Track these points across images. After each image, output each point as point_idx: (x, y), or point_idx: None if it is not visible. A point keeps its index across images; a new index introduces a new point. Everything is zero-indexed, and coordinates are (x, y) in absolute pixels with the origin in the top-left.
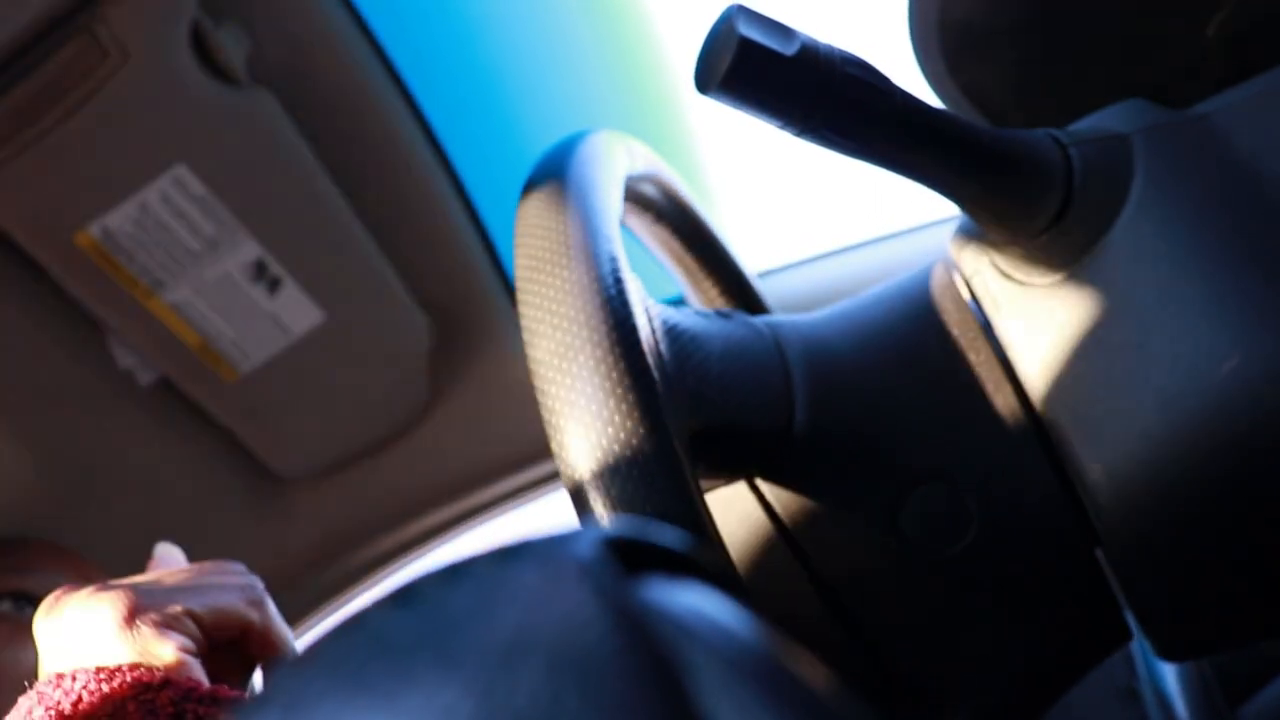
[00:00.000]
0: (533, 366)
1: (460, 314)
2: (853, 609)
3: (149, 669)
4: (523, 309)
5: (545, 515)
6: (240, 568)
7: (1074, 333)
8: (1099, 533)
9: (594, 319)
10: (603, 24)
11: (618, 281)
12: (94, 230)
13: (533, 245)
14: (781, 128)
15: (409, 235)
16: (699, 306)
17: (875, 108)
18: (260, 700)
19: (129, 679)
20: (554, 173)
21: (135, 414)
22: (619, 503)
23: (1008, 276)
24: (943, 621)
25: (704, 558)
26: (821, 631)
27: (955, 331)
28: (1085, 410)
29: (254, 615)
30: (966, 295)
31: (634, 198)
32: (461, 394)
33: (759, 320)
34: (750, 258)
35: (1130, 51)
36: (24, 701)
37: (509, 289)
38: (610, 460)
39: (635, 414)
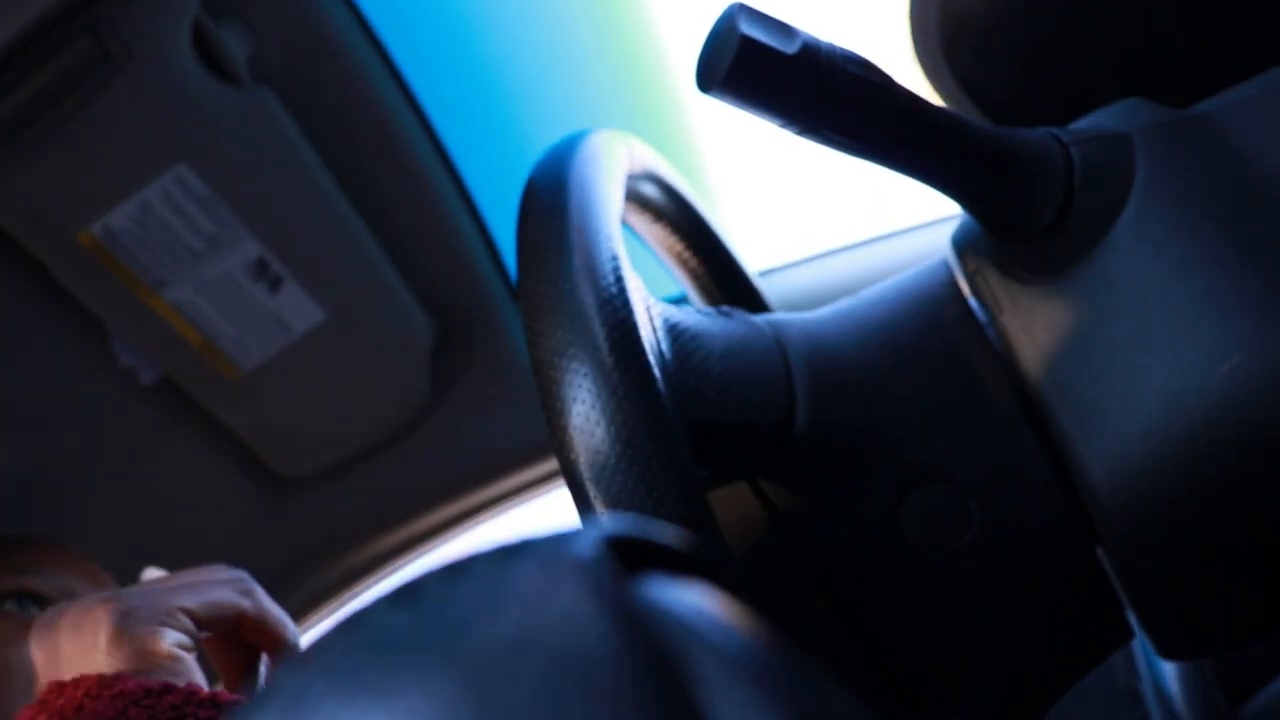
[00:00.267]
0: (535, 364)
1: (462, 313)
2: (853, 607)
3: (149, 675)
4: (524, 306)
5: (546, 514)
6: (224, 567)
7: (1075, 331)
8: (1100, 532)
9: (595, 316)
10: (604, 23)
11: (619, 279)
12: (96, 229)
13: (534, 243)
14: (783, 126)
15: (410, 235)
16: (700, 305)
17: (876, 106)
18: (260, 700)
19: (130, 685)
20: (555, 171)
21: (136, 413)
22: (619, 500)
23: (1008, 275)
24: (943, 621)
25: (705, 556)
26: (821, 630)
27: (956, 330)
28: (1086, 409)
29: (246, 603)
30: (967, 293)
31: (635, 197)
32: (463, 393)
33: (760, 319)
34: (751, 256)
35: (1130, 50)
36: (27, 711)
37: (510, 289)
38: (611, 457)
39: (636, 411)
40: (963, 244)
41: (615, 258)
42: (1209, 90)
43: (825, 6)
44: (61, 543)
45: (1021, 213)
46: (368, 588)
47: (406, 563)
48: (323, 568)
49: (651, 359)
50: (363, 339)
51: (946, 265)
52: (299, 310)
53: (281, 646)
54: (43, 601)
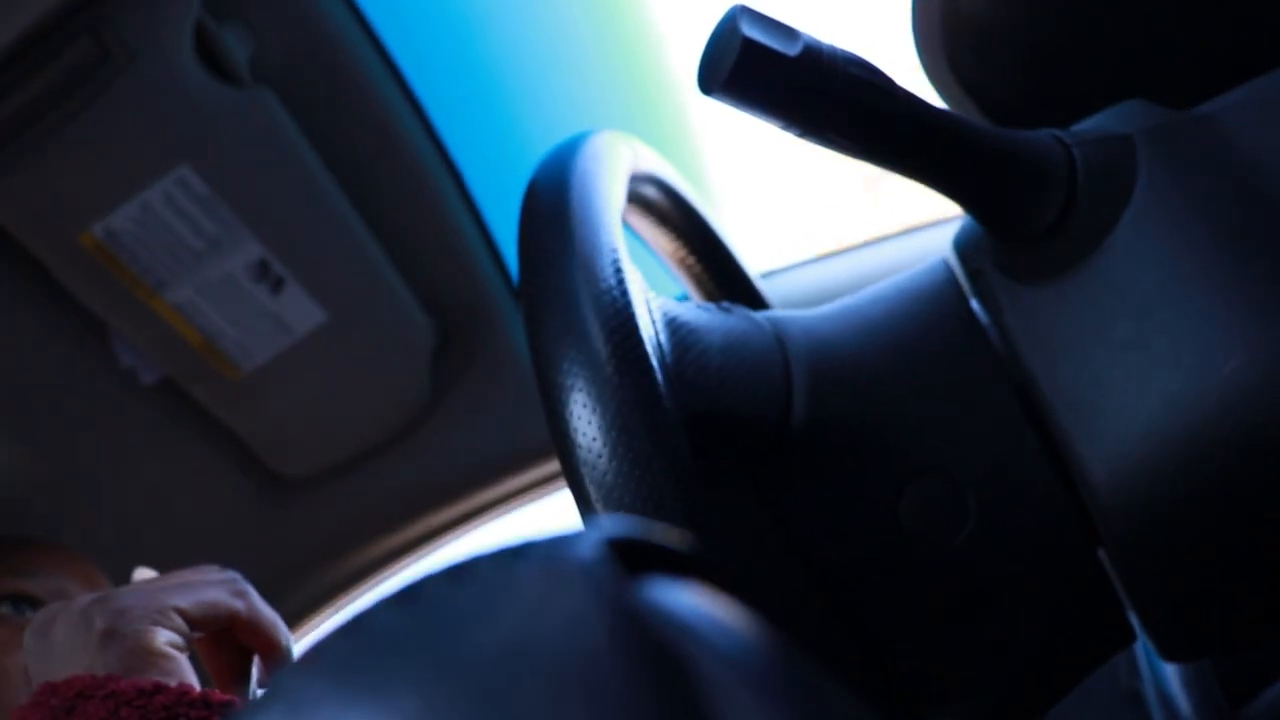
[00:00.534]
0: (533, 355)
1: (463, 314)
2: (852, 607)
3: (141, 675)
4: (524, 299)
5: (547, 515)
6: (217, 568)
7: (1076, 332)
8: (1101, 532)
9: (594, 308)
10: (606, 25)
11: (618, 272)
12: (97, 230)
13: (535, 240)
14: (784, 128)
15: (412, 236)
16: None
17: (878, 108)
18: (261, 702)
19: (122, 685)
20: (557, 170)
21: (137, 414)
22: (615, 490)
23: (1010, 276)
24: (943, 620)
25: (705, 557)
26: (821, 630)
27: (957, 329)
28: (1087, 409)
29: (239, 604)
30: (969, 294)
31: (637, 199)
32: (464, 394)
33: (760, 315)
34: (753, 258)
35: (1131, 51)
36: (19, 711)
37: (512, 290)
38: (607, 448)
39: (633, 402)
40: (964, 245)
41: (615, 251)
42: (1209, 91)
43: (827, 8)
44: (58, 545)
45: (1023, 214)
46: (368, 589)
47: (407, 565)
48: (323, 569)
49: (650, 351)
50: (363, 340)
51: (946, 265)
52: (300, 311)
53: (274, 649)
54: (39, 605)
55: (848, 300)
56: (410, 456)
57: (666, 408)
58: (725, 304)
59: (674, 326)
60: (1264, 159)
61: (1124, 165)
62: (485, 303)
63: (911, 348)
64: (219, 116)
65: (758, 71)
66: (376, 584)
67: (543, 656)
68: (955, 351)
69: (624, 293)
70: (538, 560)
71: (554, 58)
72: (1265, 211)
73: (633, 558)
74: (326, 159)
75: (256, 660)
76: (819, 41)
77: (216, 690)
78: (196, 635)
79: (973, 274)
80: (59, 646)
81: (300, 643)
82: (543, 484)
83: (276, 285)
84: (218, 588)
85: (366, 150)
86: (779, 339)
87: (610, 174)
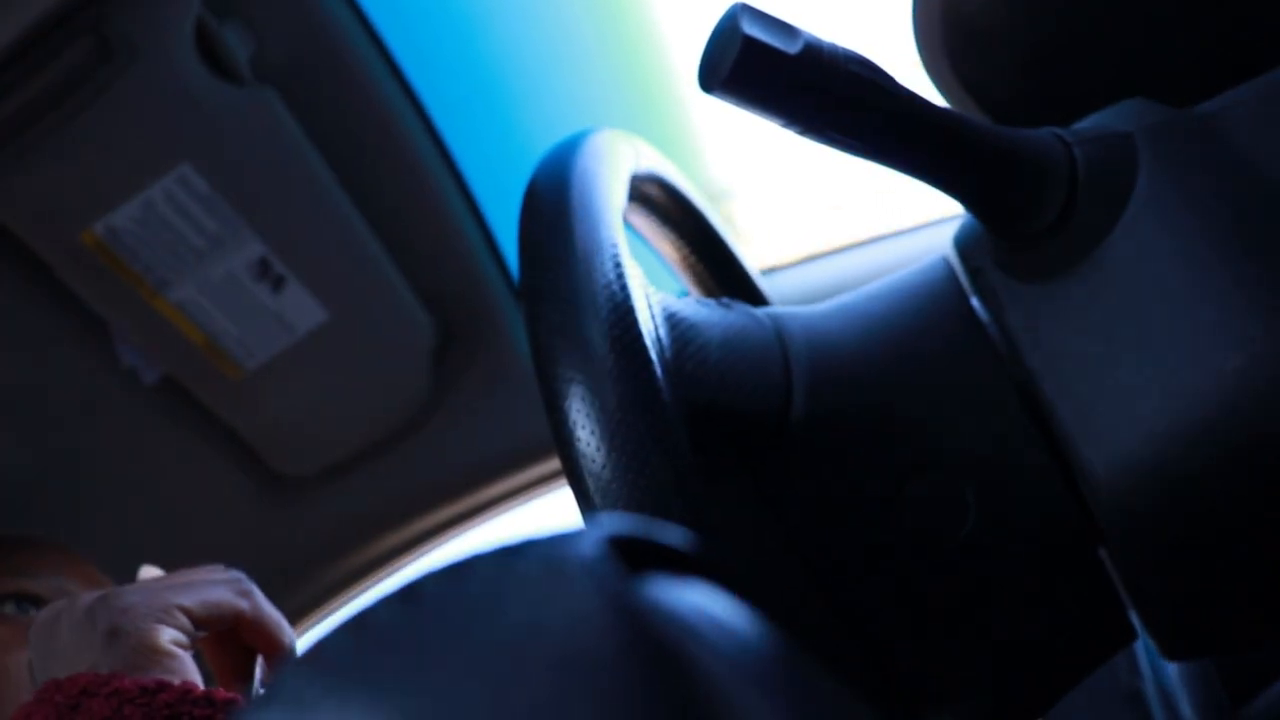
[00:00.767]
0: (532, 349)
1: (464, 313)
2: (852, 606)
3: (145, 673)
4: (523, 293)
5: (548, 513)
6: (222, 567)
7: (1077, 331)
8: (1102, 531)
9: (594, 303)
10: (606, 23)
11: (618, 266)
12: (99, 229)
13: (536, 236)
14: (785, 126)
15: (413, 234)
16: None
17: (879, 106)
18: (263, 700)
19: (125, 682)
20: (558, 167)
21: (138, 413)
22: (614, 486)
23: (1010, 274)
24: (941, 619)
25: (706, 555)
26: (821, 628)
27: (957, 327)
28: (1088, 408)
29: (243, 604)
30: (970, 292)
31: (639, 197)
32: (465, 392)
33: (760, 311)
34: (754, 256)
35: (1131, 50)
36: (23, 708)
37: (512, 289)
38: (606, 444)
39: (632, 398)
40: (965, 243)
41: (615, 247)
42: (1210, 90)
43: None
44: (60, 544)
45: (1024, 212)
46: (369, 587)
47: (408, 563)
48: (324, 567)
49: (649, 344)
50: (364, 339)
51: (947, 263)
52: (301, 310)
53: (278, 649)
54: (41, 604)
55: (847, 297)
56: (411, 455)
57: (666, 404)
58: (725, 300)
59: (673, 321)
60: (1265, 157)
61: (1125, 163)
62: (486, 302)
63: (912, 345)
64: (220, 115)
65: (758, 70)
66: (377, 582)
67: (543, 654)
68: (955, 349)
69: (623, 286)
70: (538, 558)
71: (555, 56)
72: (1266, 209)
73: (634, 555)
74: (328, 157)
75: (260, 660)
76: (820, 39)
77: (220, 689)
78: (201, 634)
79: (973, 272)
80: (63, 644)
81: (302, 641)
82: (543, 482)
83: (277, 284)
84: (222, 587)
85: (368, 149)
86: (779, 334)
87: (611, 172)
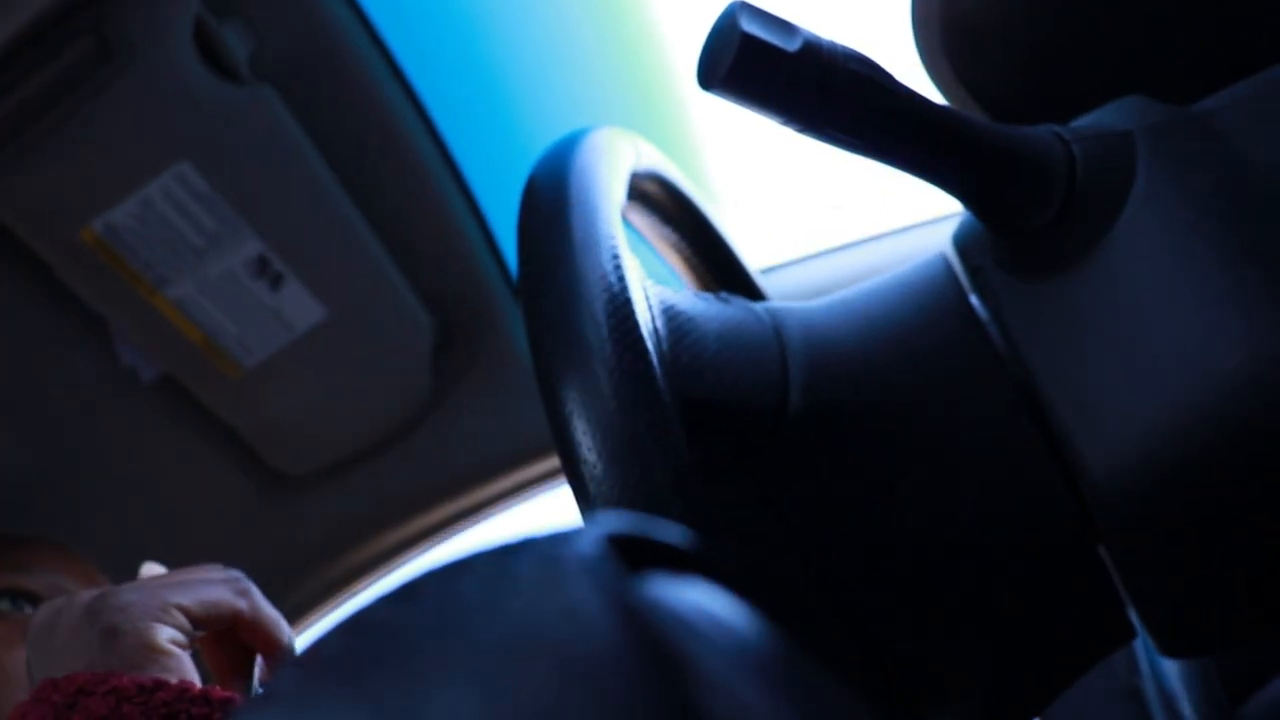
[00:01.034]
0: (530, 341)
1: (463, 311)
2: (850, 602)
3: (143, 671)
4: (522, 287)
5: (548, 511)
6: (220, 567)
7: (1076, 329)
8: (1101, 529)
9: (590, 293)
10: (606, 21)
11: (615, 259)
12: (98, 227)
13: (533, 227)
14: (784, 124)
15: (412, 233)
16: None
17: (878, 104)
18: (262, 699)
19: (123, 681)
20: (557, 164)
21: (138, 411)
22: (610, 479)
23: (1010, 272)
24: (940, 617)
25: (705, 554)
26: (820, 626)
27: (956, 325)
28: (1088, 406)
29: (242, 603)
30: (969, 290)
31: (638, 195)
32: (463, 392)
33: (758, 305)
34: (753, 254)
35: (1130, 50)
36: (20, 706)
37: (512, 287)
38: (602, 431)
39: (629, 389)
40: (964, 241)
41: (613, 240)
42: (1209, 89)
43: (827, 5)
44: (58, 542)
45: (1023, 210)
46: (368, 586)
47: (407, 561)
48: (323, 566)
49: (645, 334)
50: (364, 337)
51: (945, 260)
52: (300, 308)
53: (276, 648)
54: (37, 601)
55: (846, 293)
56: (411, 454)
57: (664, 398)
58: (723, 294)
59: (671, 314)
60: (1263, 155)
61: (1123, 162)
62: (486, 301)
63: (910, 343)
64: (219, 113)
65: (757, 67)
66: (377, 581)
67: (542, 653)
68: (954, 347)
69: (620, 278)
70: (537, 556)
71: (555, 56)
72: (1265, 207)
73: (633, 554)
74: (327, 156)
75: (259, 659)
76: (818, 37)
77: (217, 688)
78: (199, 634)
79: (972, 270)
80: (61, 642)
81: (301, 640)
82: (543, 480)
83: (277, 282)
84: (221, 586)
85: (367, 147)
86: (776, 329)
87: (610, 168)
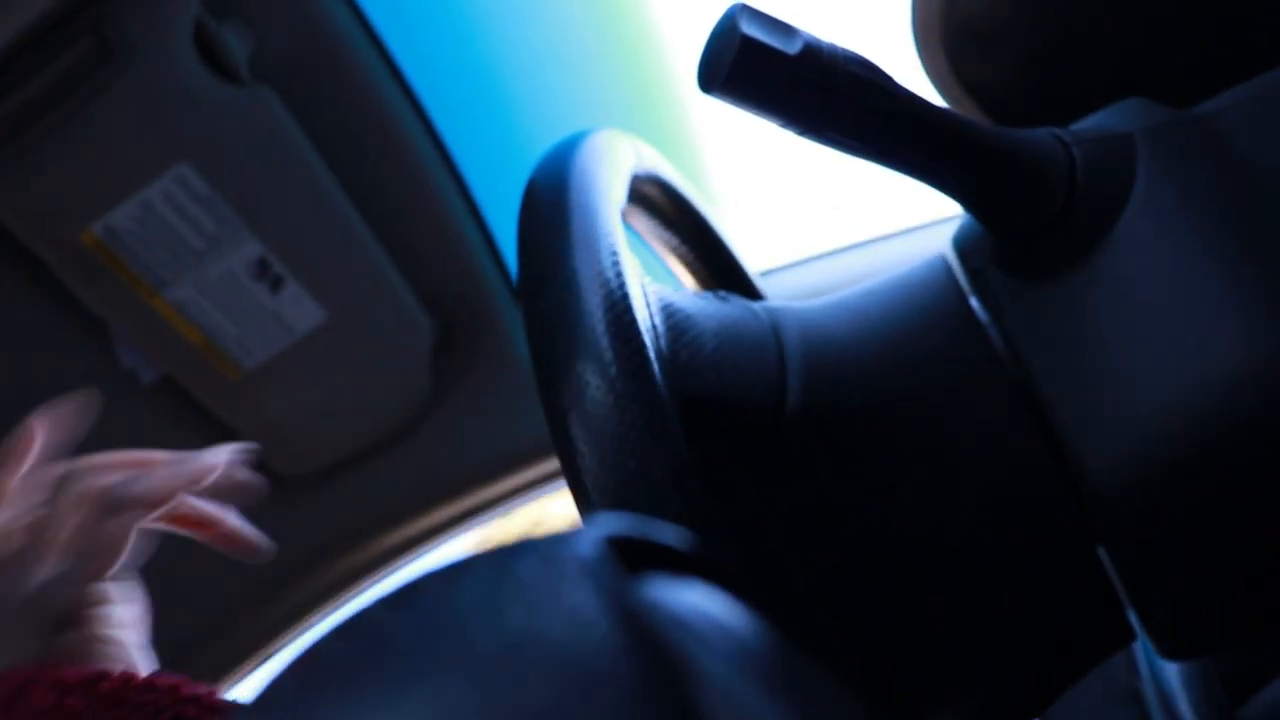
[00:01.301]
0: (529, 339)
1: (463, 314)
2: (849, 603)
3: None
4: (521, 286)
5: (547, 512)
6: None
7: (1076, 331)
8: (1101, 530)
9: (589, 290)
10: (606, 23)
11: (613, 255)
12: (98, 229)
13: (533, 227)
14: (784, 127)
15: (412, 235)
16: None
17: (878, 107)
18: (258, 703)
19: (67, 674)
20: (557, 165)
21: (138, 413)
22: (609, 479)
23: (1010, 274)
24: (940, 618)
25: (705, 556)
26: (820, 628)
27: (956, 327)
28: (1088, 408)
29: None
30: (969, 292)
31: (638, 197)
32: (463, 393)
33: (757, 305)
34: (752, 256)
35: (1131, 51)
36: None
37: (512, 289)
38: (600, 427)
39: (626, 383)
40: (964, 244)
41: (612, 239)
42: (1209, 90)
43: (827, 7)
44: None
45: (1023, 213)
46: (367, 588)
47: (406, 563)
48: (322, 568)
49: (643, 330)
50: (364, 339)
51: (944, 262)
52: (300, 310)
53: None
54: None
55: (846, 293)
56: (410, 455)
57: (663, 397)
58: (722, 293)
59: (669, 311)
60: (1263, 157)
61: (1124, 164)
62: (486, 302)
63: (909, 344)
64: (219, 115)
65: (757, 70)
66: (376, 582)
67: (542, 655)
68: (953, 348)
69: (619, 275)
70: (536, 558)
71: (555, 56)
72: (1265, 210)
73: (633, 556)
74: (327, 157)
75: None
76: (819, 40)
77: (164, 676)
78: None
79: (972, 272)
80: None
81: (299, 642)
82: (543, 481)
83: (276, 284)
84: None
85: (367, 149)
86: (774, 328)
87: (610, 170)
